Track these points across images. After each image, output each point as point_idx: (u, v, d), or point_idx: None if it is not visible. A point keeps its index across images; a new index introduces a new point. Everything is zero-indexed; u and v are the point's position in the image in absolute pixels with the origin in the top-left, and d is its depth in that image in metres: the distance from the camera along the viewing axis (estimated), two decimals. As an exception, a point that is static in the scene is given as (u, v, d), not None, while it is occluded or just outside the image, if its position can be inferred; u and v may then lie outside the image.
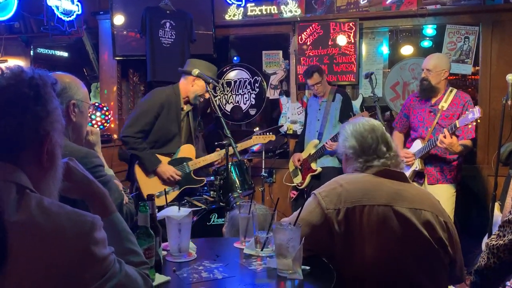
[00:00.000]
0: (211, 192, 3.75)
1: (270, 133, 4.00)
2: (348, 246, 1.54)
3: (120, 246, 1.17)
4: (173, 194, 3.53)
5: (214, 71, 3.59)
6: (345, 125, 1.86)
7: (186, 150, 3.59)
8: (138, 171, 3.48)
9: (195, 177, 3.62)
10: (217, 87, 5.16)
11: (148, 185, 3.48)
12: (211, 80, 3.33)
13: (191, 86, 3.48)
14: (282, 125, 4.88)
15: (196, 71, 3.31)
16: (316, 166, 4.26)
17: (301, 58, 4.78)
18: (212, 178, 3.81)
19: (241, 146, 3.72)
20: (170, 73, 4.61)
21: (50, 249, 0.94)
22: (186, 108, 3.58)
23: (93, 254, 0.99)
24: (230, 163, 3.31)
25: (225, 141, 3.12)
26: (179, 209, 1.74)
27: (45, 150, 1.05)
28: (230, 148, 3.19)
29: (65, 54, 5.58)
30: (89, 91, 5.25)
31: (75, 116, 1.70)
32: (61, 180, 1.12)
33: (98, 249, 1.00)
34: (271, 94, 5.17)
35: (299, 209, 1.60)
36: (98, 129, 1.94)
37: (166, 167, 3.46)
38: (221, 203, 3.38)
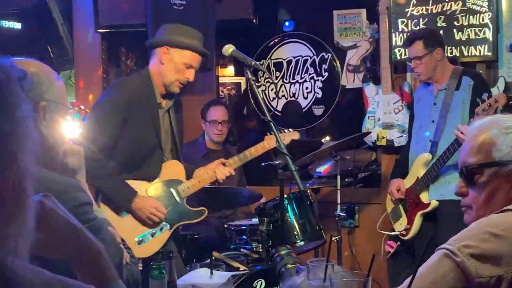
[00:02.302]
0: (254, 244, 3.76)
1: (290, 130, 4.08)
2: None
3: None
4: (162, 237, 3.64)
5: (201, 38, 3.69)
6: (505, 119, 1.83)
7: (171, 169, 3.71)
8: (105, 210, 3.58)
9: (190, 208, 3.73)
10: (259, 72, 5.21)
11: (124, 228, 3.58)
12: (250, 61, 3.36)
13: (161, 63, 3.59)
14: (369, 132, 4.85)
15: (229, 49, 3.33)
16: (428, 198, 4.20)
17: (399, 21, 4.75)
18: (254, 220, 3.82)
19: (245, 155, 3.85)
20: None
21: None
22: (166, 103, 3.68)
23: None
24: (286, 196, 3.32)
25: (277, 161, 3.13)
26: (211, 273, 1.77)
27: (10, 183, 1.09)
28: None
29: (18, 26, 5.74)
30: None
31: (46, 126, 1.77)
32: (33, 229, 1.16)
33: None
34: (349, 80, 5.16)
35: (411, 275, 1.58)
36: (80, 147, 2.01)
37: (143, 201, 3.58)
38: (270, 262, 3.39)
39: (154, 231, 3.60)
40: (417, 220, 4.25)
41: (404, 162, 4.43)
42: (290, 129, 4.11)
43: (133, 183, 3.61)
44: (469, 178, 1.85)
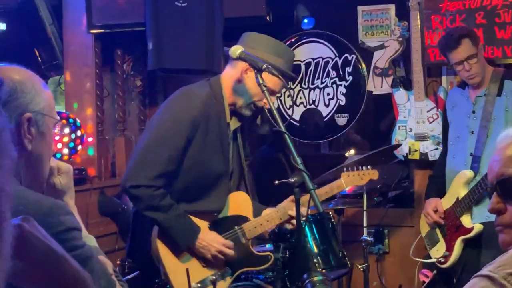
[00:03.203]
0: (267, 274, 3.76)
1: (369, 167, 4.01)
2: None
3: None
4: (223, 286, 3.58)
5: (289, 57, 3.64)
6: None
7: (238, 203, 3.68)
8: (162, 248, 3.57)
9: (255, 252, 3.68)
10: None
11: (182, 270, 3.54)
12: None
13: (238, 81, 3.54)
14: (400, 144, 4.85)
15: (237, 50, 3.36)
16: (471, 222, 4.19)
17: (432, 17, 4.76)
18: (269, 246, 3.82)
19: (319, 193, 3.69)
20: (189, 54, 4.73)
21: None
22: (233, 123, 3.65)
23: None
24: (304, 219, 3.32)
25: (293, 179, 3.14)
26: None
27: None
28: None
29: (2, 27, 5.79)
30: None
31: (31, 141, 1.78)
32: (9, 257, 1.17)
33: None
34: (377, 85, 5.17)
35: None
36: (69, 165, 2.03)
37: (208, 237, 3.53)
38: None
39: (215, 278, 3.45)
40: (458, 246, 4.22)
41: (440, 179, 4.42)
42: (369, 167, 4.00)
43: (193, 219, 3.55)
44: (509, 192, 1.83)
